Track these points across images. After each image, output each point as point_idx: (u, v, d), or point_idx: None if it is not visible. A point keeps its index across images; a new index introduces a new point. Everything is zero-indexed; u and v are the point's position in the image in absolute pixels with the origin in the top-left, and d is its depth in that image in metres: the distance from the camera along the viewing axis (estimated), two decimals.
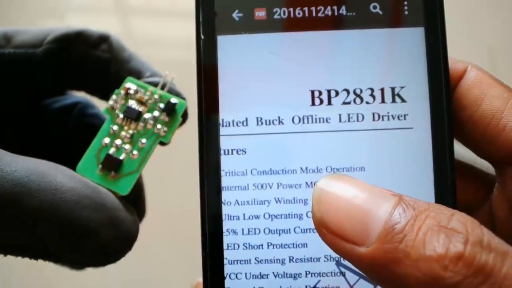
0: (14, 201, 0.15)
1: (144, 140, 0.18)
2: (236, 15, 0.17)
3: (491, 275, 0.11)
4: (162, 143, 0.19)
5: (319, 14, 0.17)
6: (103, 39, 0.20)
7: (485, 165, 0.18)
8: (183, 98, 0.20)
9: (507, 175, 0.17)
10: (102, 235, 0.16)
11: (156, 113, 0.19)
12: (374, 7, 0.17)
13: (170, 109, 0.19)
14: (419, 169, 0.17)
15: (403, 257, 0.12)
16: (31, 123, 0.22)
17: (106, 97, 0.21)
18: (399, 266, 0.12)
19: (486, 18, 0.64)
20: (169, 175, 0.53)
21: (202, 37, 0.17)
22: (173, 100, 0.19)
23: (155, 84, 0.20)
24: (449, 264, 0.11)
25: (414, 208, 0.12)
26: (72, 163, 0.19)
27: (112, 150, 0.18)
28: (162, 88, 0.20)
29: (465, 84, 0.17)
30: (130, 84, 0.19)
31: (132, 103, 0.19)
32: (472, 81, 0.17)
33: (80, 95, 0.23)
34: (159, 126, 0.19)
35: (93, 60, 0.20)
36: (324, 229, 0.13)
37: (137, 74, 0.20)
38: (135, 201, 0.20)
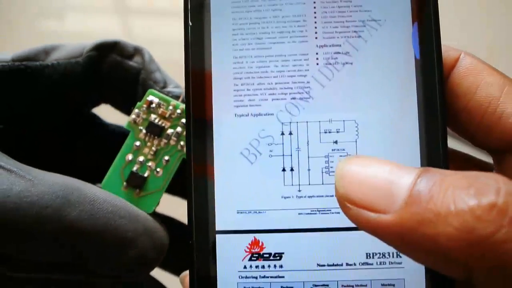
0: (54, 214, 0.15)
1: (167, 158, 0.18)
2: None
3: None
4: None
5: None
6: (137, 51, 0.21)
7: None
8: None
9: (506, 163, 0.16)
10: (140, 244, 0.16)
11: (179, 129, 0.18)
12: None
13: None
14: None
15: (433, 216, 0.11)
16: (74, 135, 0.22)
17: (130, 111, 0.21)
18: (429, 226, 0.11)
19: (486, 18, 0.64)
20: None
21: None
22: None
23: (177, 96, 0.20)
24: (482, 214, 0.10)
25: (440, 172, 0.12)
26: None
27: (136, 167, 0.18)
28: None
29: (458, 73, 0.16)
30: (152, 97, 0.19)
31: (155, 118, 0.19)
32: (466, 69, 0.16)
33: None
34: (182, 143, 0.18)
35: (126, 70, 0.21)
36: (348, 202, 0.13)
37: (163, 83, 0.21)
38: None
